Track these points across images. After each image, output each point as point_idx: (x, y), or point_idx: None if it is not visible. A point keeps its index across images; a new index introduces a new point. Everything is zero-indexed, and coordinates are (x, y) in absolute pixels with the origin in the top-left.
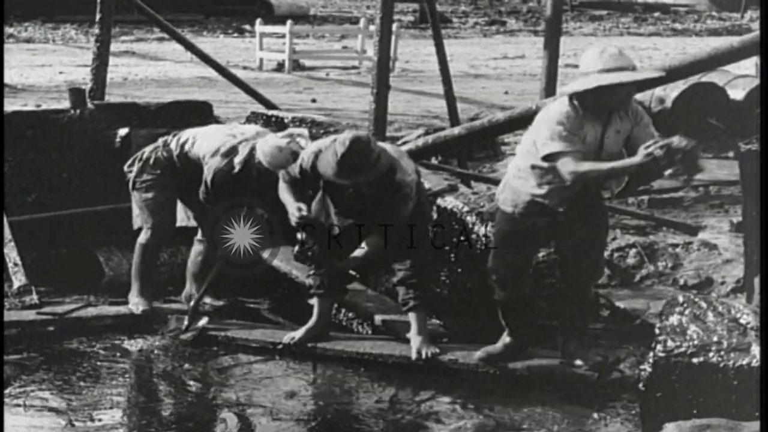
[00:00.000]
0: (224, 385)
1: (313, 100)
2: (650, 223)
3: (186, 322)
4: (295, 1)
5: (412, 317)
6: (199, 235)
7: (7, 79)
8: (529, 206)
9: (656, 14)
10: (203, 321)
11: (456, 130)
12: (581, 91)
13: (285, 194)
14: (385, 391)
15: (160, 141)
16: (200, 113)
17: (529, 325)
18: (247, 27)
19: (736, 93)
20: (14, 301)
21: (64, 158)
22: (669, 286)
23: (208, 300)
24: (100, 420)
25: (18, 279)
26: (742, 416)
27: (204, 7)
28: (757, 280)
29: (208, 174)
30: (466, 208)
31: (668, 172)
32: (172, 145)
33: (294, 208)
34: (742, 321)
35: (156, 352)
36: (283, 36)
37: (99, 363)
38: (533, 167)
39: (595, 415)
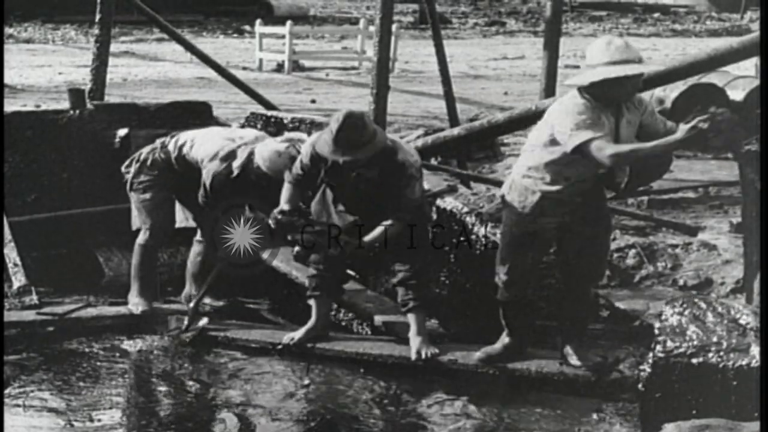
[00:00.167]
0: (224, 385)
1: (313, 101)
2: (650, 224)
3: (186, 323)
4: (295, 1)
5: (411, 318)
6: (198, 236)
7: (6, 80)
8: (538, 206)
9: (656, 15)
10: (203, 321)
11: (455, 131)
12: (588, 84)
13: (282, 195)
14: (385, 392)
15: (158, 142)
16: (200, 114)
17: (528, 326)
18: (247, 27)
19: (736, 94)
20: (14, 302)
21: (63, 158)
22: (668, 286)
23: (207, 300)
24: (99, 420)
25: (18, 279)
26: (742, 416)
27: (204, 7)
28: (756, 281)
29: (207, 178)
30: (465, 209)
31: (714, 144)
32: (170, 147)
33: (276, 210)
34: (741, 321)
35: (156, 352)
36: (283, 36)
37: (99, 363)
38: (548, 164)
39: (595, 416)
